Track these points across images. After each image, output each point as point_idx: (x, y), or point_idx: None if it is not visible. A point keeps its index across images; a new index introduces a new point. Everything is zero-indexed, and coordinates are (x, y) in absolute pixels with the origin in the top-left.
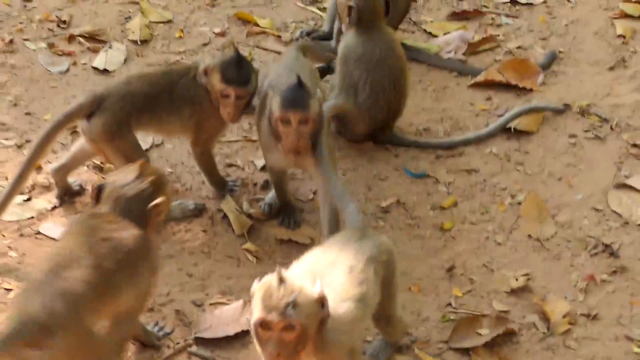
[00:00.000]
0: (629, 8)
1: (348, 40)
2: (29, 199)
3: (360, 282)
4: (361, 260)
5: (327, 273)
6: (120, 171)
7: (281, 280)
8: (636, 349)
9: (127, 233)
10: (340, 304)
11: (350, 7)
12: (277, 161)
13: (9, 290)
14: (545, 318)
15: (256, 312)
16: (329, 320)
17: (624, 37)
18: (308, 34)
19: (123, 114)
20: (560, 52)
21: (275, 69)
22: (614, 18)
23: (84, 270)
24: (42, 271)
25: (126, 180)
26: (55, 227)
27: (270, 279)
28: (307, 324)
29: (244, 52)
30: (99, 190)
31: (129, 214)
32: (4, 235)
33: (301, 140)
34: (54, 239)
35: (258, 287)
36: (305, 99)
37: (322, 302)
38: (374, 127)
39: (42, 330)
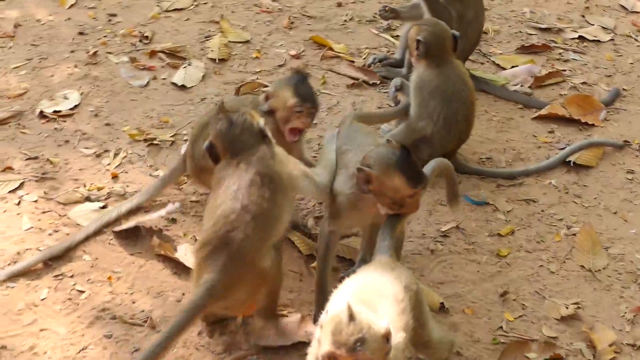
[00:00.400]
0: None
1: (420, 72)
2: (104, 207)
3: (404, 311)
4: (401, 289)
5: (378, 302)
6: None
7: (351, 317)
8: None
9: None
10: (395, 334)
11: (418, 41)
12: (358, 221)
13: (81, 291)
14: (592, 346)
15: (325, 345)
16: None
17: None
18: (380, 60)
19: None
20: (624, 89)
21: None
22: None
23: (247, 221)
24: (213, 232)
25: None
26: (127, 234)
27: (340, 313)
28: (373, 358)
29: (318, 75)
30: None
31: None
32: None
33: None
34: (125, 245)
35: (327, 321)
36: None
37: (387, 337)
38: (441, 155)
39: (226, 288)
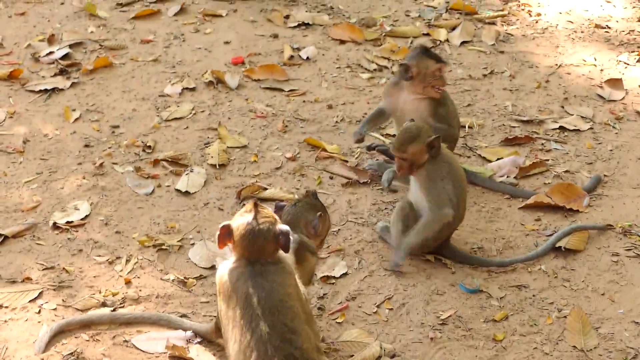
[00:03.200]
0: None
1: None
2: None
3: None
4: None
5: None
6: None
7: None
8: None
9: None
10: None
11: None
12: None
13: None
14: None
15: None
16: None
17: None
18: (375, 147)
19: None
20: (605, 175)
21: None
22: None
23: None
24: None
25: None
26: (141, 338)
27: None
28: None
29: (314, 175)
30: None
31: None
32: (98, 341)
33: None
34: (141, 349)
35: None
36: None
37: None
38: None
39: None
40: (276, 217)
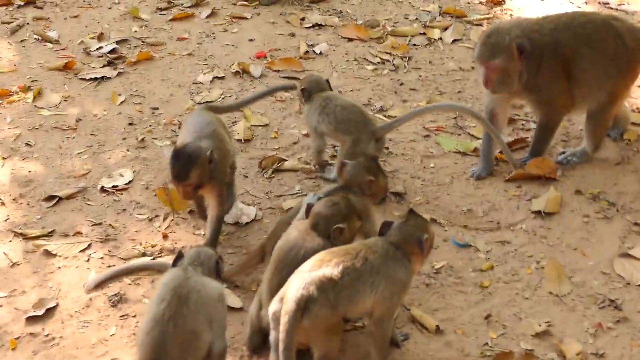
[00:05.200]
0: (635, 117)
1: None
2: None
3: None
4: None
5: None
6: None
7: None
8: None
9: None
10: None
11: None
12: None
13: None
14: (562, 355)
15: None
16: None
17: (629, 140)
18: None
19: None
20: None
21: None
22: None
23: (336, 270)
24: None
25: None
26: None
27: None
28: None
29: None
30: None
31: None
32: (139, 284)
33: None
34: None
35: None
36: None
37: None
38: None
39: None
40: None
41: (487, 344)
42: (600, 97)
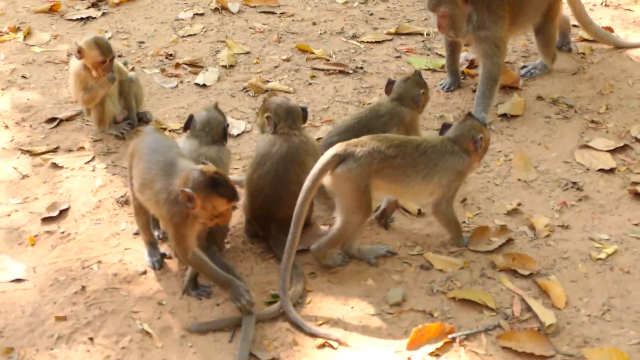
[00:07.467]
0: (586, 34)
1: None
2: None
3: None
4: None
5: None
6: None
7: None
8: (596, 245)
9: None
10: None
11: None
12: None
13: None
14: (532, 228)
15: None
16: None
17: (583, 53)
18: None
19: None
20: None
21: None
22: (577, 42)
23: (393, 149)
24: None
25: None
26: None
27: None
28: None
29: (308, 72)
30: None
31: None
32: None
33: None
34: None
35: None
36: None
37: None
38: None
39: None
40: None
41: (464, 222)
42: (543, 11)
